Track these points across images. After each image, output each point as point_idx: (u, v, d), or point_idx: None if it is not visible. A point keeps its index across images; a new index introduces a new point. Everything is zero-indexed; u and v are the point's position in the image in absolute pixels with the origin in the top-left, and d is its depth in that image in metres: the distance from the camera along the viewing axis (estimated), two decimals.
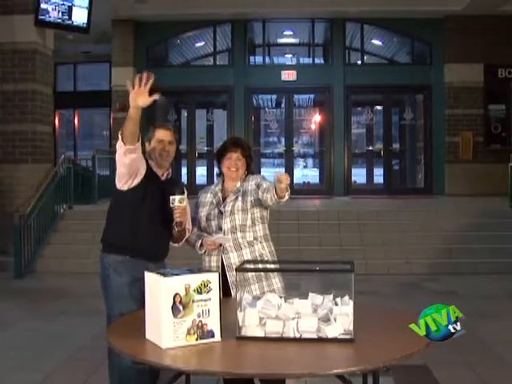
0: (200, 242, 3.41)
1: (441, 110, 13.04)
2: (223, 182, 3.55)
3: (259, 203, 3.39)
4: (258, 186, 3.39)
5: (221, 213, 3.42)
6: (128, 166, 3.16)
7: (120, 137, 3.09)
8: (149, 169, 3.31)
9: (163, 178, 3.41)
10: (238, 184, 3.48)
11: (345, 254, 8.28)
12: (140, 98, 2.93)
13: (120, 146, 3.10)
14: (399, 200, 11.85)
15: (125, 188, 3.26)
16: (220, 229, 3.38)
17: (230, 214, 3.39)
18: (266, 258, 3.40)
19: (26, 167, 9.44)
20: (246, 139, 3.82)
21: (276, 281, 3.37)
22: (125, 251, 3.28)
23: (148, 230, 3.30)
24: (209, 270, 3.19)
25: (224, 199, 3.46)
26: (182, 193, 3.18)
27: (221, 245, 3.36)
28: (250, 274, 3.31)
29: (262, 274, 3.35)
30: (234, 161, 3.45)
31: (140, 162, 3.22)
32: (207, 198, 3.52)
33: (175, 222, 3.23)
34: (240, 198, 3.42)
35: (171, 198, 3.14)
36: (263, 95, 15.13)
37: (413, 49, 13.76)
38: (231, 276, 3.31)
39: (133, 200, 3.28)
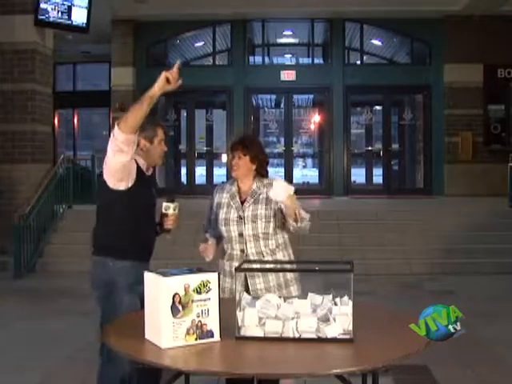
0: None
1: (440, 110, 13.04)
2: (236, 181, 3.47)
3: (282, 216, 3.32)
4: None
5: (240, 217, 3.33)
6: (129, 155, 2.98)
7: (117, 127, 2.88)
8: (138, 167, 3.21)
9: (148, 173, 3.32)
10: (254, 186, 3.39)
11: (344, 254, 8.27)
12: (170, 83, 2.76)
13: (116, 138, 2.90)
14: (399, 200, 11.85)
15: (121, 187, 3.10)
16: (240, 235, 3.30)
17: (252, 221, 3.31)
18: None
19: (26, 167, 9.42)
20: (255, 140, 3.73)
21: (294, 288, 3.35)
22: (129, 255, 3.17)
23: (146, 229, 3.26)
24: (209, 270, 3.18)
25: (242, 203, 3.37)
26: (173, 200, 3.17)
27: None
28: (271, 284, 3.28)
29: (282, 281, 3.33)
30: (235, 159, 3.41)
31: (132, 163, 3.11)
32: (223, 198, 3.42)
33: (165, 229, 3.19)
34: (263, 206, 3.33)
35: (165, 204, 3.12)
36: (263, 95, 15.15)
37: (412, 49, 13.75)
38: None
39: (131, 200, 3.16)
